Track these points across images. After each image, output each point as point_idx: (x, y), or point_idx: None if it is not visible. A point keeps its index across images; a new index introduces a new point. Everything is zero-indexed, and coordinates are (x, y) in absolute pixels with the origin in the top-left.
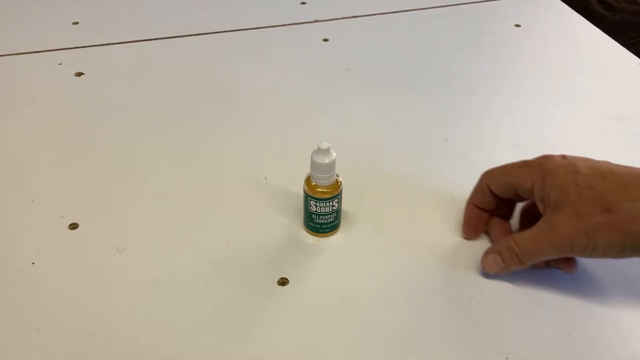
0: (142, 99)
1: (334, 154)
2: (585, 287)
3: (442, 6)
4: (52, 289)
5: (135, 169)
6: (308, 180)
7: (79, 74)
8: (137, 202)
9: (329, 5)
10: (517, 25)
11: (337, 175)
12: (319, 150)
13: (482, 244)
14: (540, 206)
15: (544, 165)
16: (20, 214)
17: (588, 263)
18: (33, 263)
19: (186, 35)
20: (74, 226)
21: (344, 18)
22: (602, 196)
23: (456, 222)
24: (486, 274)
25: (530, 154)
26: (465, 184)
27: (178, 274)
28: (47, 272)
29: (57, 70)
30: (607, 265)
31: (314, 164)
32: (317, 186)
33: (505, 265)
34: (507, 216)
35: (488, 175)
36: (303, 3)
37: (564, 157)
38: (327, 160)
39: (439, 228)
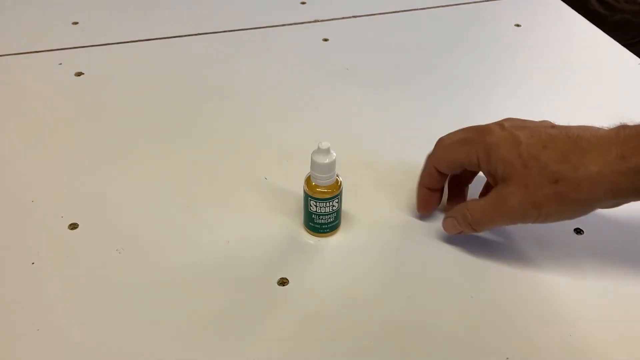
0: (142, 99)
1: (334, 153)
2: (587, 292)
3: (442, 6)
4: (52, 289)
5: (135, 169)
6: (308, 180)
7: (79, 74)
8: (137, 202)
9: (329, 5)
10: (517, 25)
11: (337, 175)
12: (319, 150)
13: (482, 248)
14: (490, 179)
15: (485, 141)
16: (20, 214)
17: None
18: (33, 263)
19: (186, 35)
20: (74, 226)
21: (344, 18)
22: (546, 166)
23: None
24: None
25: None
26: None
27: (178, 274)
28: (47, 272)
29: (57, 70)
30: (617, 270)
31: (314, 164)
32: (317, 186)
33: (461, 230)
34: (468, 181)
35: (433, 158)
36: (303, 3)
37: (502, 126)
38: (327, 160)
39: (440, 229)
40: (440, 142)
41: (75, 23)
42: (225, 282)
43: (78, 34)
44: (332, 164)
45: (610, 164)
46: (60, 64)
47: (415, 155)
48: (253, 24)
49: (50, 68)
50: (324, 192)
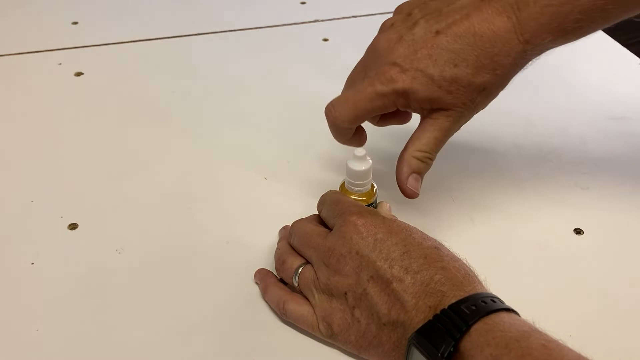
0: (142, 99)
1: (370, 161)
2: (587, 293)
3: None
4: (52, 289)
5: (135, 169)
6: (342, 187)
7: (79, 74)
8: (137, 203)
9: (329, 5)
10: None
11: (373, 183)
12: (355, 157)
13: (479, 249)
14: (413, 111)
15: (397, 89)
16: (20, 214)
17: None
18: (33, 263)
19: (186, 35)
20: (73, 226)
21: (344, 18)
22: (470, 83)
23: (457, 223)
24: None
25: (530, 155)
26: (465, 185)
27: (177, 275)
28: (47, 272)
29: (56, 70)
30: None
31: (348, 171)
32: (351, 193)
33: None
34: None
35: (344, 122)
36: (303, 3)
37: (396, 65)
38: (362, 168)
39: (439, 229)
40: (342, 101)
41: (75, 23)
42: (225, 282)
43: (78, 34)
44: (368, 172)
45: (518, 53)
46: (60, 64)
47: None
48: (253, 24)
49: (50, 68)
50: (357, 200)
